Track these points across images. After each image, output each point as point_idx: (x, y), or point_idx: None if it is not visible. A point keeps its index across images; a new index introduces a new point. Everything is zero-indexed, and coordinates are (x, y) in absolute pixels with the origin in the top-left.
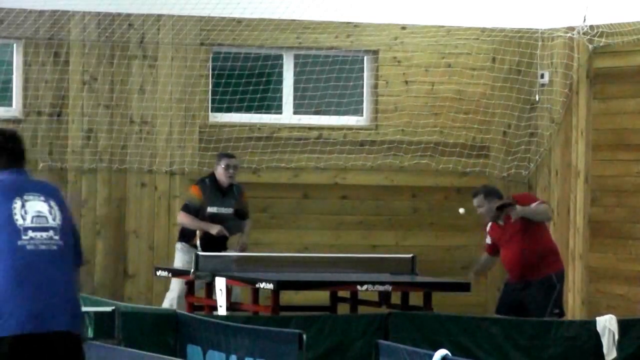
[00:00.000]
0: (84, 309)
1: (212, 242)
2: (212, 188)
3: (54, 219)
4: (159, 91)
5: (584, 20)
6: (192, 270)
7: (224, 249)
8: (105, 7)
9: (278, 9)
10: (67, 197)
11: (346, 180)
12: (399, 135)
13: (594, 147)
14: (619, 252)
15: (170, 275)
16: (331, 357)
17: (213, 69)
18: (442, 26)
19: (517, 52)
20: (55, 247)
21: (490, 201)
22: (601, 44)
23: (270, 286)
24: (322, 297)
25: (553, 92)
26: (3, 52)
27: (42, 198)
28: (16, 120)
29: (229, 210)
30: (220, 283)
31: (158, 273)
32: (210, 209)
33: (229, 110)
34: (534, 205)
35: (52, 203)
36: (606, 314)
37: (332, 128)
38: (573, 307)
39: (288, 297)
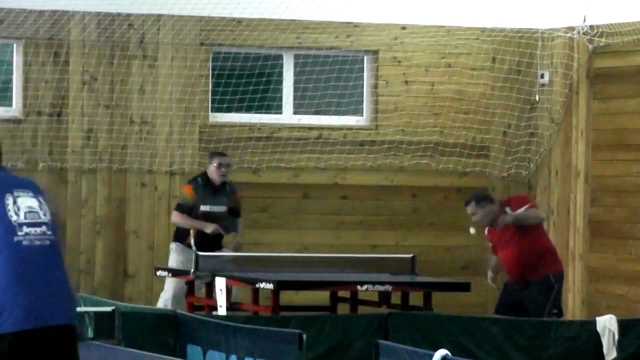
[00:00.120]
0: (84, 309)
1: (207, 242)
2: (205, 187)
3: (44, 214)
4: (159, 91)
5: (584, 20)
6: (192, 270)
7: (219, 248)
8: (105, 7)
9: (278, 9)
10: (47, 194)
11: (346, 180)
12: (399, 135)
13: (594, 147)
14: (619, 252)
15: (170, 275)
16: (331, 357)
17: (213, 69)
18: (442, 26)
19: (517, 52)
20: (48, 242)
21: (483, 207)
22: (601, 44)
23: (270, 286)
24: (322, 297)
25: (553, 92)
26: (3, 52)
27: (31, 194)
28: (16, 120)
29: (222, 209)
30: (220, 283)
31: (158, 273)
32: (203, 208)
33: (229, 110)
34: (522, 210)
35: (41, 199)
36: (606, 314)
37: (332, 128)
38: (573, 307)
39: (288, 297)
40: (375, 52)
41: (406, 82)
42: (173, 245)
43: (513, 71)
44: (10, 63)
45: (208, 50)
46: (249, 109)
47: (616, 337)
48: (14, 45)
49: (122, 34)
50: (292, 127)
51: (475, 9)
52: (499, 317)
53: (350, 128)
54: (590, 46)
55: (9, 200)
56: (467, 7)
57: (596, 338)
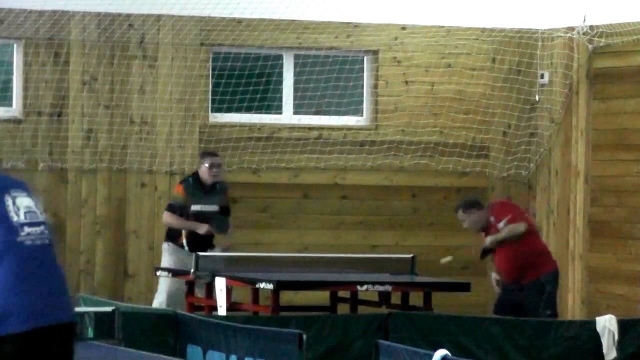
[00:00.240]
0: (84, 309)
1: (199, 242)
2: (196, 186)
3: (41, 214)
4: (159, 91)
5: (584, 20)
6: (192, 270)
7: (211, 247)
8: (105, 7)
9: (278, 9)
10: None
11: (346, 180)
12: (399, 135)
13: (594, 147)
14: (619, 252)
15: (170, 275)
16: (331, 357)
17: (213, 69)
18: (442, 26)
19: (517, 52)
20: (47, 242)
21: (471, 213)
22: (601, 44)
23: (270, 286)
24: (322, 297)
25: (553, 92)
26: (3, 52)
27: (26, 194)
28: (16, 120)
29: (213, 208)
30: (220, 283)
31: (158, 273)
32: (195, 207)
33: (229, 110)
34: (501, 227)
35: (34, 199)
36: (606, 314)
37: (332, 128)
38: (573, 307)
39: (288, 297)
40: (375, 52)
41: (406, 82)
42: (165, 245)
43: (513, 71)
44: (11, 63)
45: (208, 51)
46: (249, 109)
47: (616, 337)
48: (14, 45)
49: (122, 34)
50: (292, 127)
51: (475, 9)
52: (499, 317)
53: (350, 128)
54: (590, 46)
55: (9, 201)
56: (467, 7)
57: (596, 338)
